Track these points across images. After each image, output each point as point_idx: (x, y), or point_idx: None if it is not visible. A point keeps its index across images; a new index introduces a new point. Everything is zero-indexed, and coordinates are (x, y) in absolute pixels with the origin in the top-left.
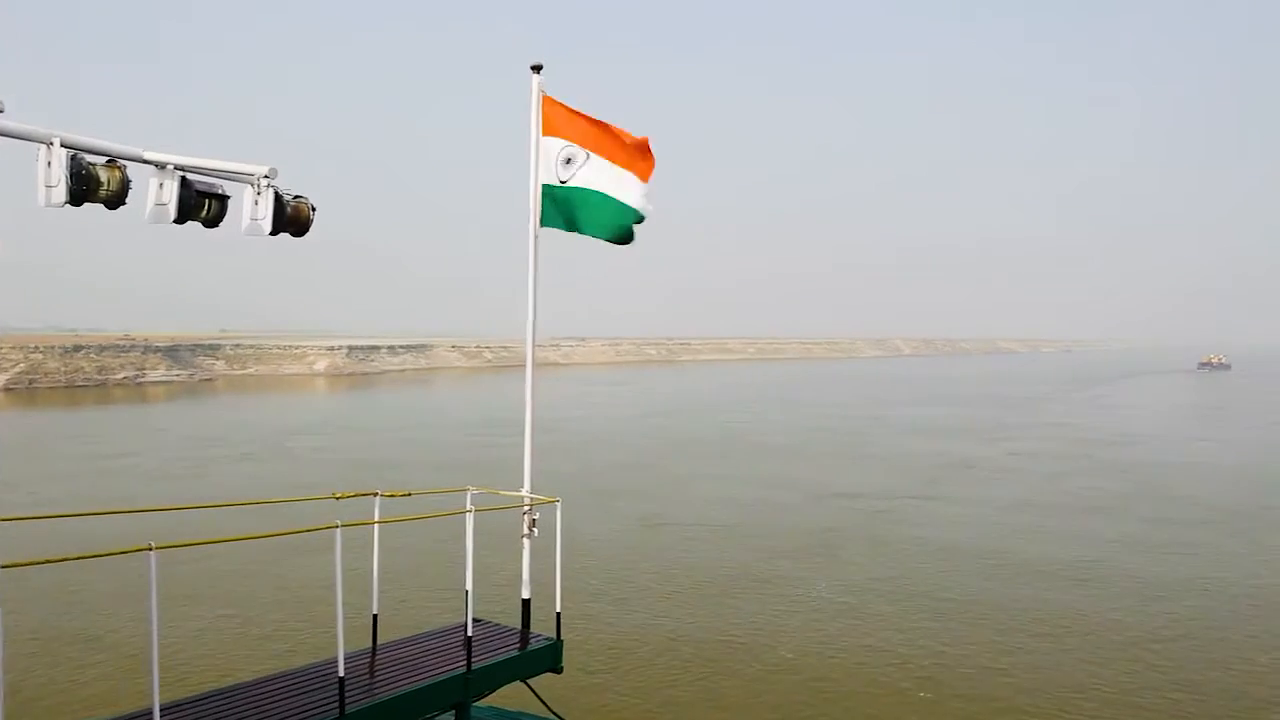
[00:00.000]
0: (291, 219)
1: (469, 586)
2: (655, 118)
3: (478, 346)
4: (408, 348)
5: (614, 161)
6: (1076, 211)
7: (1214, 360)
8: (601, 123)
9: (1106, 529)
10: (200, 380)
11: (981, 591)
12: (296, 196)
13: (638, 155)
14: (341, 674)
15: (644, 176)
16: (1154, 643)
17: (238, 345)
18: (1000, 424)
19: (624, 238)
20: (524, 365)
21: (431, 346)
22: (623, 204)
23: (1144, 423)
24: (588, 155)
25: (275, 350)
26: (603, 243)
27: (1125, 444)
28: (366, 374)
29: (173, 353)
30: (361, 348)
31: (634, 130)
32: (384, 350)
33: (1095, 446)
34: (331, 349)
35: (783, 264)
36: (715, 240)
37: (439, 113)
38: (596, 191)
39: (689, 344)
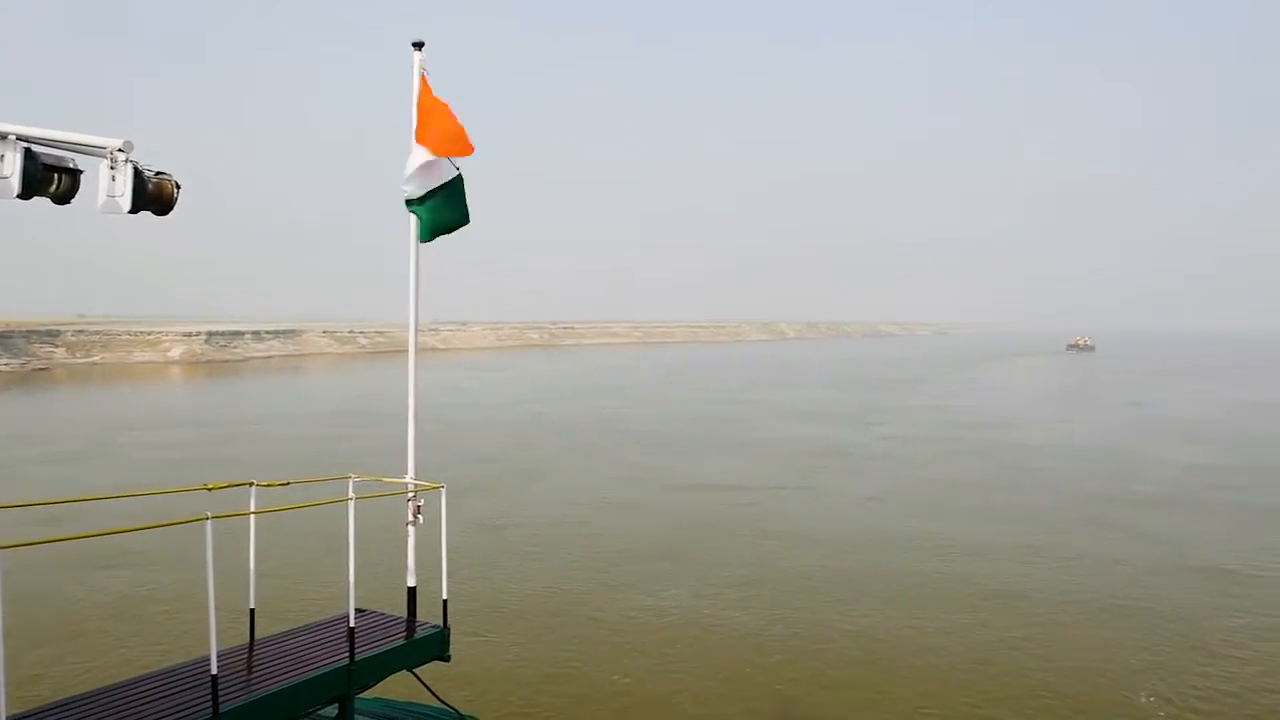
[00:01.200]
0: (153, 197)
1: (351, 576)
2: (567, 98)
3: (351, 331)
4: (275, 333)
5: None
6: (1046, 210)
7: (1080, 342)
8: (444, 107)
9: (973, 520)
10: (33, 370)
11: (838, 600)
12: (159, 173)
13: (459, 142)
14: (215, 671)
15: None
16: (1016, 647)
17: (81, 331)
18: (874, 407)
19: (461, 220)
20: (401, 351)
21: (301, 332)
22: (456, 180)
23: (1012, 404)
24: (433, 159)
25: (125, 336)
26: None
27: (993, 426)
28: (227, 361)
29: (4, 339)
30: (223, 333)
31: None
32: (248, 336)
33: (964, 429)
34: (189, 335)
35: (687, 252)
36: (611, 224)
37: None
38: (450, 188)
39: (573, 328)
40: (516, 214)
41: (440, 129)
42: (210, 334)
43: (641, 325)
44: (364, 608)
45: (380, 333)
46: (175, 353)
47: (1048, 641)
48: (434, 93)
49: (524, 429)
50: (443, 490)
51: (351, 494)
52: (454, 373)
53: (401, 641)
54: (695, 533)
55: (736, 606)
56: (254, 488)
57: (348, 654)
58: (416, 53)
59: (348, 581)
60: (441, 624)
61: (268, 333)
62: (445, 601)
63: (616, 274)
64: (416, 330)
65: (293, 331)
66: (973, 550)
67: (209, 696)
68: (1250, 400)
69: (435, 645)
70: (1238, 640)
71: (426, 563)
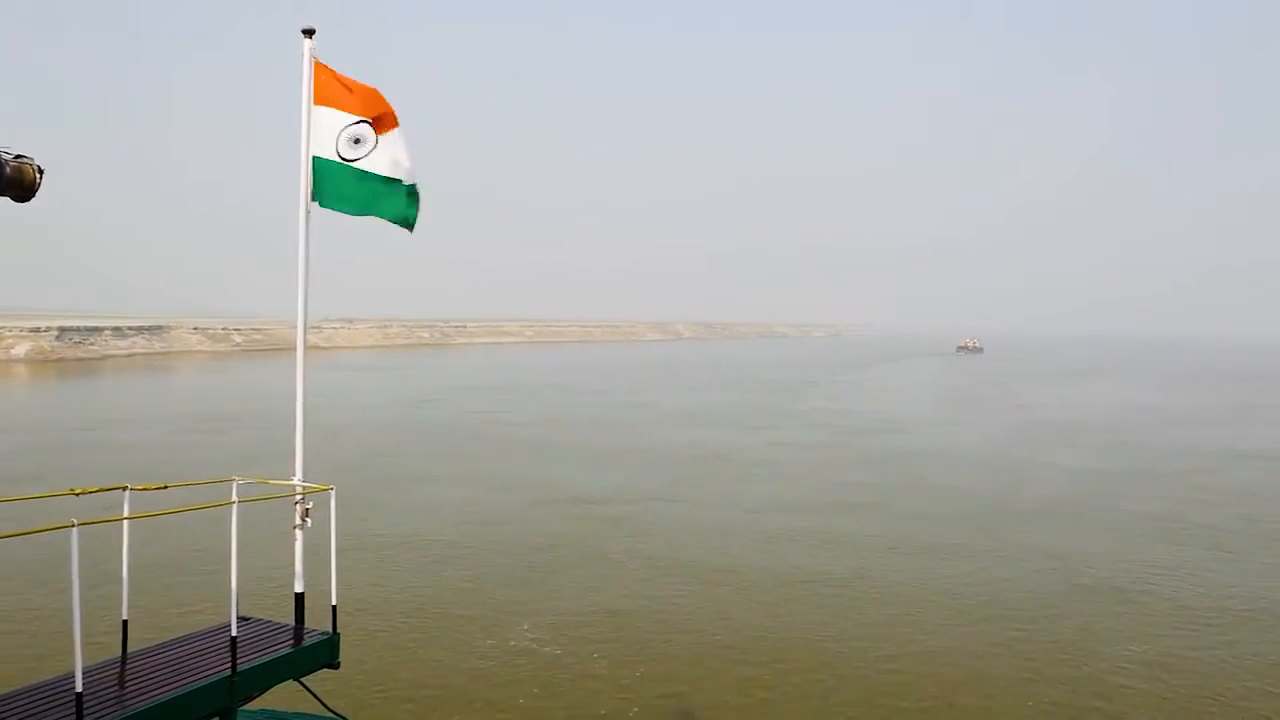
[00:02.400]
0: (12, 181)
1: (234, 583)
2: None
3: (225, 329)
4: (140, 329)
5: (387, 133)
6: (1014, 217)
7: (969, 344)
8: (375, 91)
9: (857, 539)
10: None
11: (699, 637)
12: (18, 156)
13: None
14: (79, 689)
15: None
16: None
17: None
18: (764, 410)
19: (410, 220)
20: (278, 349)
21: (169, 328)
22: (409, 185)
23: (900, 407)
24: (375, 136)
25: None
26: (381, 223)
27: (881, 431)
28: (83, 360)
29: None
30: (78, 329)
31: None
32: (107, 332)
33: (852, 434)
34: (37, 330)
35: (615, 253)
36: (497, 224)
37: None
38: (385, 176)
39: (464, 326)
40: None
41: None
42: (62, 330)
43: (534, 324)
44: (248, 615)
45: (257, 330)
46: (20, 350)
47: (928, 676)
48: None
49: (393, 434)
50: (332, 493)
51: (235, 497)
52: (331, 373)
53: (288, 650)
54: (559, 554)
55: (596, 646)
56: (128, 492)
57: (230, 665)
58: (307, 41)
59: (230, 588)
60: (331, 630)
61: (131, 329)
62: (335, 607)
63: (517, 271)
64: (306, 326)
65: (160, 328)
66: (853, 575)
67: (73, 716)
68: (1128, 402)
69: (324, 652)
70: (1129, 673)
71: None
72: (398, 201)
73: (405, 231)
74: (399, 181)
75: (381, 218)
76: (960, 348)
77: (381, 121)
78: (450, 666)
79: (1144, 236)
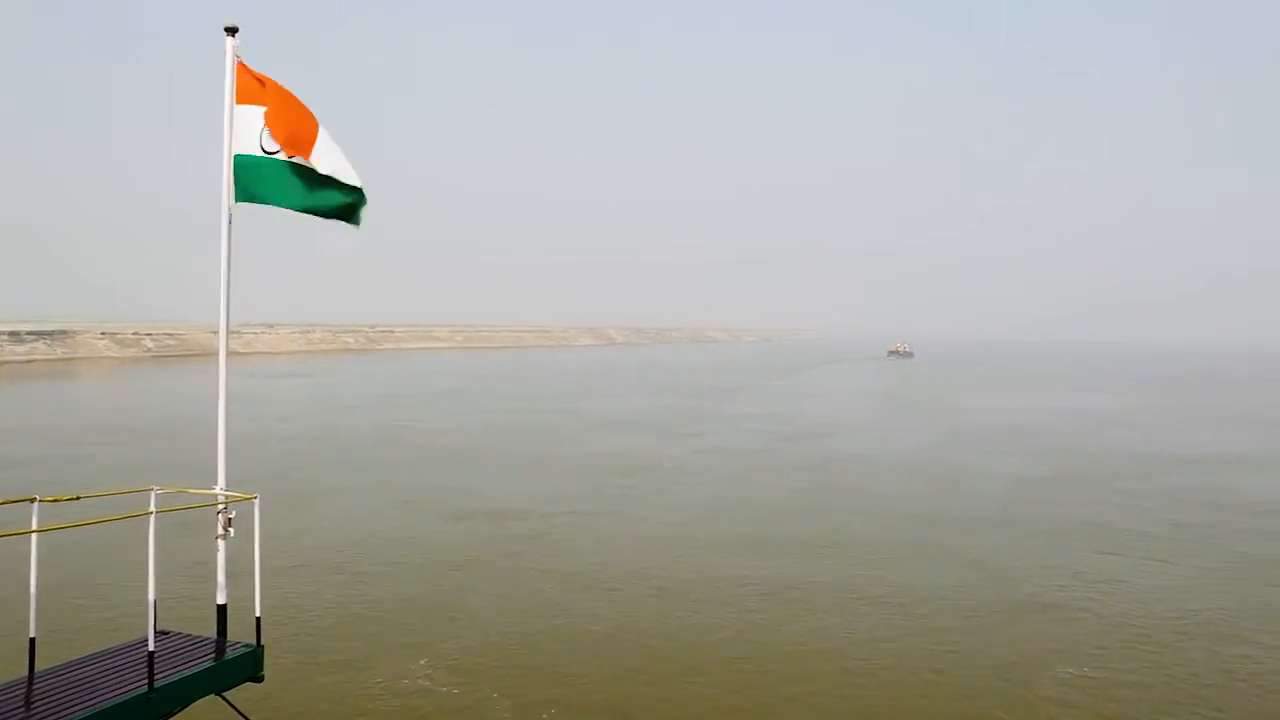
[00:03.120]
0: None
1: (151, 596)
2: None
3: (136, 333)
4: (40, 334)
5: (307, 135)
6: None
7: (900, 349)
8: (291, 95)
9: (785, 552)
10: None
11: (627, 654)
12: None
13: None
14: None
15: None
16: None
17: None
18: (693, 416)
19: (343, 213)
20: (193, 355)
21: (74, 333)
22: (351, 184)
23: (831, 412)
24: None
25: None
26: (309, 225)
27: (811, 436)
28: None
29: None
30: None
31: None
32: (3, 337)
33: (782, 440)
34: None
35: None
36: (424, 225)
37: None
38: (306, 165)
39: (392, 331)
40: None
41: (294, 119)
42: None
43: (464, 329)
44: (167, 629)
45: (170, 334)
46: None
47: (854, 698)
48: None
49: (305, 444)
50: (256, 501)
51: (153, 507)
52: (247, 380)
53: (209, 664)
54: (470, 574)
55: (498, 682)
56: (37, 503)
57: (146, 681)
58: (230, 39)
59: (148, 602)
60: (255, 643)
61: (30, 333)
62: (259, 619)
63: (444, 275)
64: (228, 330)
65: (63, 332)
66: (780, 589)
67: None
68: (1056, 407)
69: (247, 665)
70: (1067, 697)
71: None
72: (334, 196)
73: (352, 228)
74: (335, 180)
75: (319, 213)
76: (891, 352)
77: (301, 129)
78: (323, 715)
79: (1146, 240)
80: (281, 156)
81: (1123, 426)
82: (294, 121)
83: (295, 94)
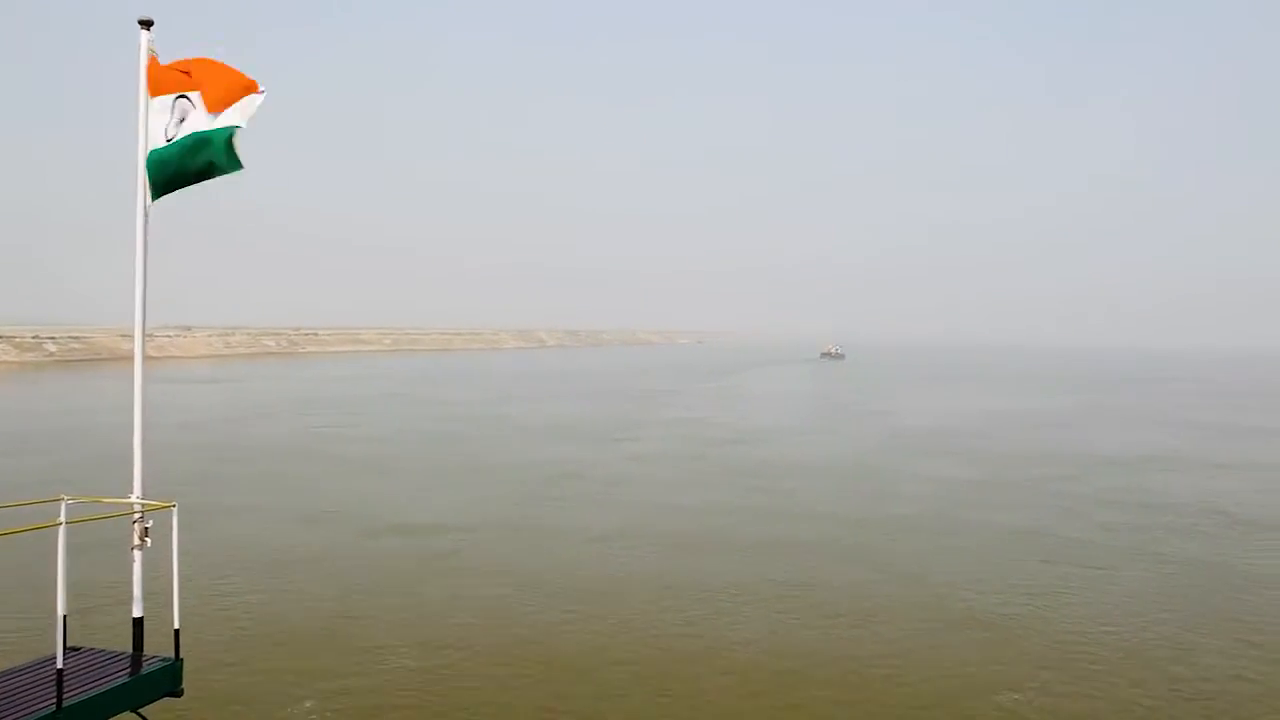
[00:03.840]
0: None
1: (60, 610)
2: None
3: (36, 337)
4: None
5: (225, 96)
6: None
7: (831, 350)
8: (215, 63)
9: (716, 564)
10: None
11: (534, 696)
12: None
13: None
14: None
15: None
16: None
17: None
18: (624, 421)
19: (224, 164)
20: (99, 359)
21: None
22: (224, 129)
23: (763, 415)
24: (198, 99)
25: None
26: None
27: (743, 441)
28: None
29: None
30: None
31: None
32: None
33: (714, 445)
34: None
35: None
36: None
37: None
38: (202, 132)
39: (316, 334)
40: (263, 204)
41: (224, 84)
42: None
43: (392, 332)
44: (79, 645)
45: (75, 337)
46: None
47: None
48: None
49: (211, 455)
50: (174, 510)
51: (63, 518)
52: (156, 386)
53: (124, 679)
54: (371, 601)
55: None
56: None
57: (55, 700)
58: (145, 32)
59: (56, 617)
60: (173, 656)
61: None
62: (177, 631)
63: (372, 276)
64: (144, 333)
65: None
66: (707, 615)
67: None
68: (986, 409)
69: (165, 680)
70: None
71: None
72: (218, 150)
73: (237, 171)
74: (219, 130)
75: (209, 173)
76: (824, 354)
77: (219, 88)
78: None
79: (1155, 246)
80: (182, 135)
81: (1050, 428)
82: (225, 89)
83: (233, 66)
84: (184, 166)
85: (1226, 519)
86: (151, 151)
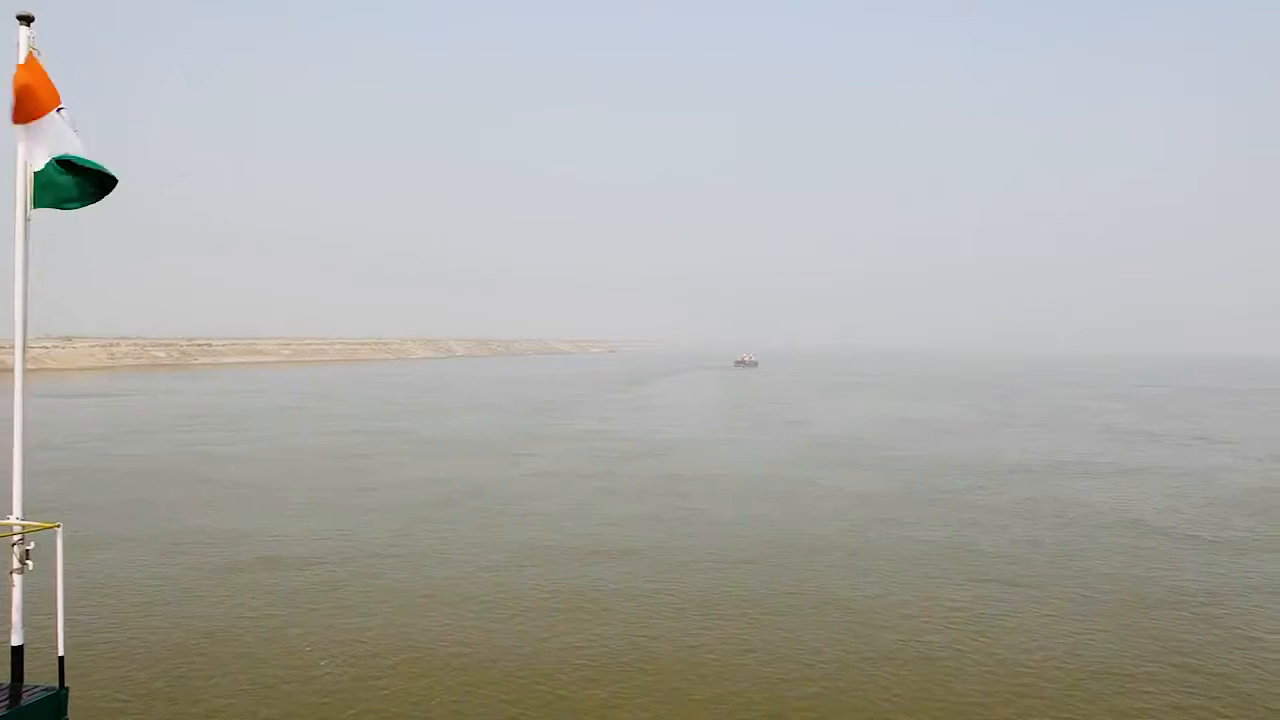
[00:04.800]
0: None
1: None
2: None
3: None
4: None
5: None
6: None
7: (745, 358)
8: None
9: (625, 592)
10: None
11: None
12: None
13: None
14: None
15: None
16: None
17: None
18: (529, 434)
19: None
20: None
21: None
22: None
23: (675, 426)
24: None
25: None
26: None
27: (653, 454)
28: None
29: None
30: None
31: None
32: None
33: (622, 459)
34: None
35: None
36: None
37: None
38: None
39: (210, 345)
40: (157, 210)
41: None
42: None
43: (292, 342)
44: None
45: None
46: None
47: None
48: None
49: (69, 478)
50: (59, 531)
51: None
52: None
53: (2, 712)
54: (220, 650)
55: None
56: None
57: None
58: (24, 28)
59: None
60: (58, 685)
61: None
62: (62, 659)
63: (271, 290)
64: (24, 344)
65: None
66: (615, 650)
67: None
68: (894, 416)
69: (47, 711)
70: None
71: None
72: (91, 177)
73: (111, 187)
74: (80, 159)
75: (95, 196)
76: (738, 362)
77: (35, 103)
78: None
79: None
80: (70, 154)
81: (953, 435)
82: (42, 98)
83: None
84: (68, 185)
85: (1143, 529)
86: (52, 161)
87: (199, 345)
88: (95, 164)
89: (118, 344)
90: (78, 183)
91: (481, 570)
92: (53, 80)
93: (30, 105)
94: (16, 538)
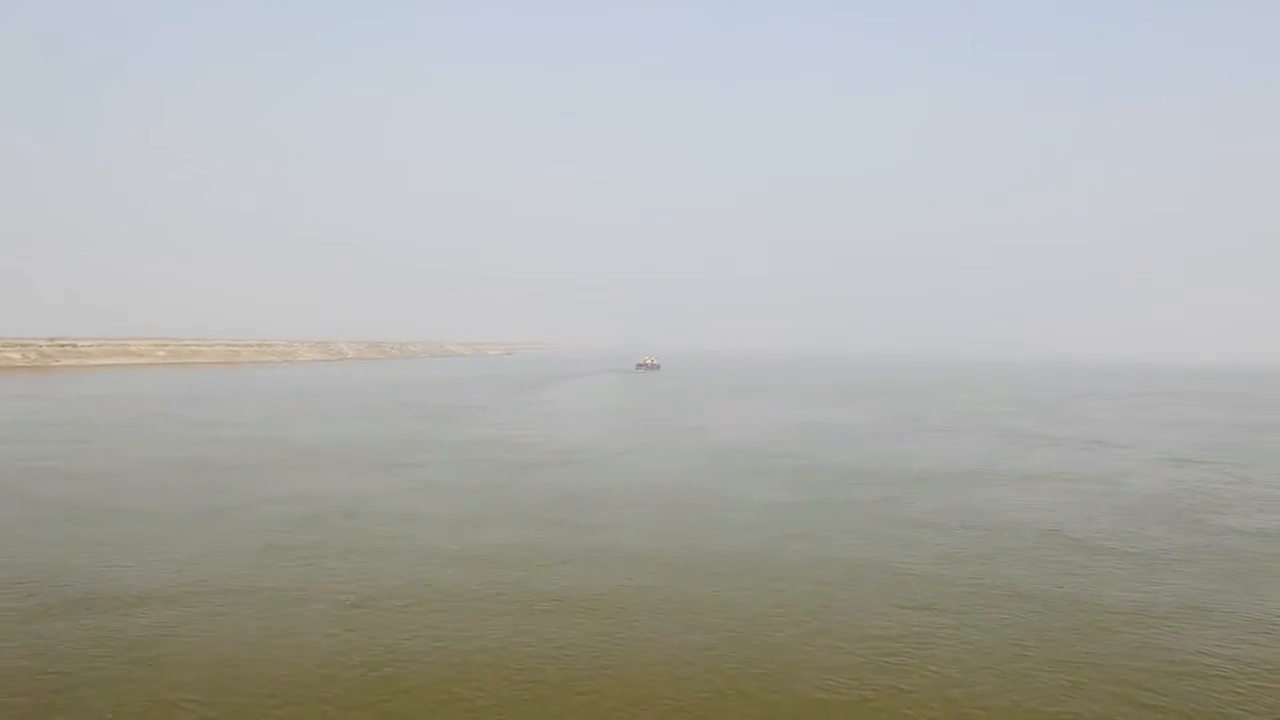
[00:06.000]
0: None
1: None
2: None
3: None
4: None
5: None
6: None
7: (647, 361)
8: None
9: (508, 632)
10: None
11: None
12: None
13: None
14: None
15: None
16: None
17: None
18: (415, 442)
19: None
20: None
21: None
22: None
23: (574, 433)
24: None
25: None
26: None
27: (550, 464)
28: None
29: None
30: None
31: None
32: None
33: (516, 470)
34: None
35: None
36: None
37: None
38: None
39: (75, 345)
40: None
41: None
42: None
43: (169, 343)
44: None
45: None
46: None
47: None
48: None
49: None
50: None
51: None
52: None
53: None
54: (16, 713)
55: None
56: None
57: None
58: None
59: None
60: None
61: None
62: None
63: (146, 290)
64: None
65: None
66: (499, 703)
67: None
68: (797, 421)
69: None
70: None
71: None
72: None
73: None
74: None
75: None
76: (640, 365)
77: None
78: None
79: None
80: None
81: (856, 440)
82: None
83: None
84: None
85: (1059, 541)
86: None
87: (61, 345)
88: None
89: None
90: None
91: (344, 609)
92: None
93: None
94: None
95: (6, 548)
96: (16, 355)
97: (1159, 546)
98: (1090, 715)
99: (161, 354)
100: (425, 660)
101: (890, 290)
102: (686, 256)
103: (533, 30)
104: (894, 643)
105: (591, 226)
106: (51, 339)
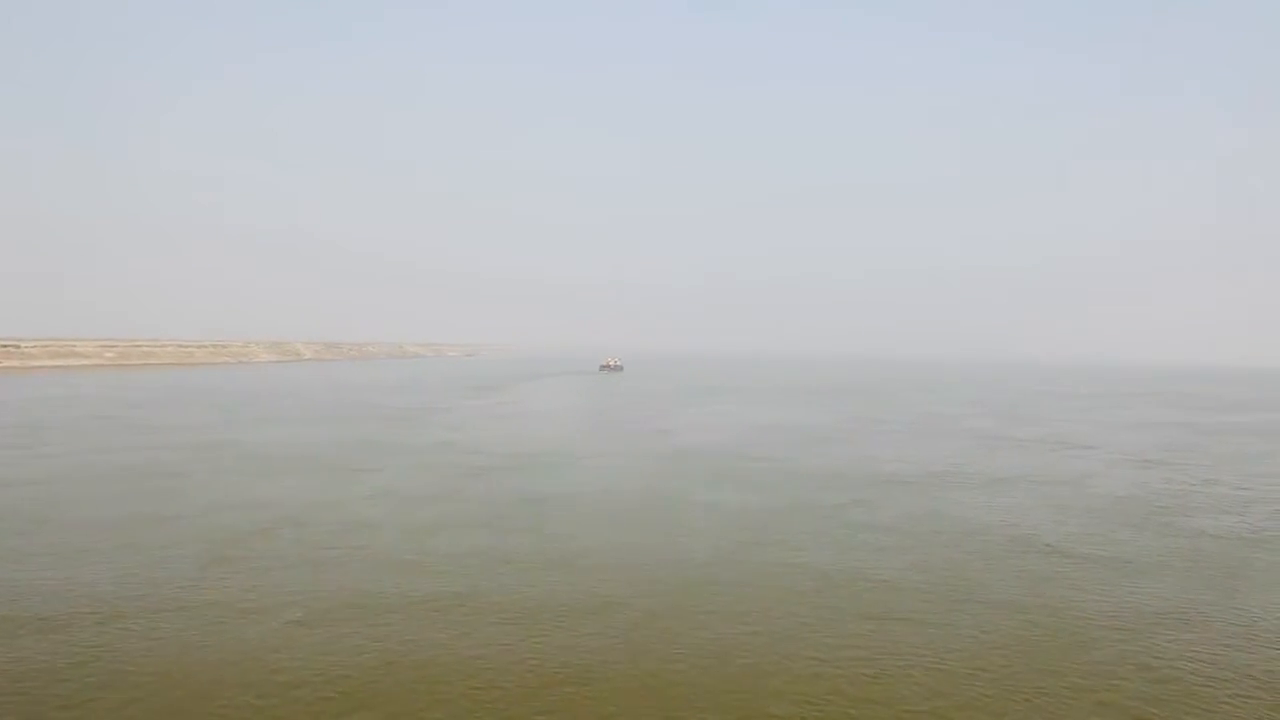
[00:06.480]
0: None
1: None
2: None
3: None
4: None
5: None
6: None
7: (611, 363)
8: None
9: (463, 652)
10: None
11: None
12: None
13: None
14: None
15: None
16: None
17: None
18: (371, 446)
19: None
20: None
21: None
22: None
23: (536, 436)
24: None
25: None
26: None
27: (511, 469)
28: None
29: None
30: None
31: None
32: None
33: (476, 475)
34: None
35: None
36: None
37: None
38: None
39: (17, 346)
40: None
41: None
42: None
43: (117, 344)
44: None
45: None
46: None
47: None
48: None
49: None
50: None
51: None
52: None
53: None
54: None
55: None
56: None
57: None
58: None
59: None
60: None
61: None
62: None
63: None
64: None
65: None
66: None
67: None
68: (756, 422)
69: None
70: None
71: None
72: None
73: None
74: None
75: None
76: (603, 366)
77: None
78: None
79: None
80: None
81: (823, 443)
82: None
83: None
84: None
85: (1032, 546)
86: None
87: (2, 346)
88: None
89: None
90: None
91: (287, 625)
92: None
93: None
94: None
95: None
96: None
97: (1132, 551)
98: None
99: (109, 355)
100: (375, 676)
101: (876, 292)
102: (652, 259)
103: (522, 34)
104: (862, 666)
105: (560, 228)
106: None
